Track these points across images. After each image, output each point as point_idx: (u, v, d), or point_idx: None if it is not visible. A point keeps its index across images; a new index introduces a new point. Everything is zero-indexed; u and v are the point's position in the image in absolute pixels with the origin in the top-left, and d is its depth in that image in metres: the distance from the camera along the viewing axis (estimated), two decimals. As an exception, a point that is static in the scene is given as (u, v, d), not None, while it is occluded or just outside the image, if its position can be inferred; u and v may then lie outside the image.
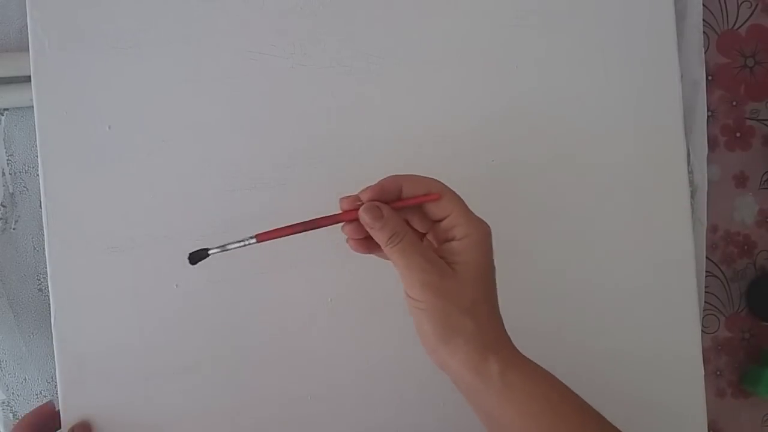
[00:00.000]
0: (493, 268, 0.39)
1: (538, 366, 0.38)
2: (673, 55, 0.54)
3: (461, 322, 0.36)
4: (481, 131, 0.51)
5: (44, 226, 0.45)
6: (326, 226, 0.40)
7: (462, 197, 0.40)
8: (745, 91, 0.65)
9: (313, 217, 0.40)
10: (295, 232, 0.39)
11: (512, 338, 0.39)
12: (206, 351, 0.47)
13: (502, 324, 0.39)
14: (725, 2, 0.64)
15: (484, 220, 0.39)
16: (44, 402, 0.46)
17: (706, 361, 0.54)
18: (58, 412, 0.45)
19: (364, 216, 0.38)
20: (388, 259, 0.39)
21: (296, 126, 0.49)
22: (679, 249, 0.54)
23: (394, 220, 0.38)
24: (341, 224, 0.40)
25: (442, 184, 0.39)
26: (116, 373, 0.46)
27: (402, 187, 0.39)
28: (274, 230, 0.40)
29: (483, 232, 0.38)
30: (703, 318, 0.56)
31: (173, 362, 0.46)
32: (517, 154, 0.51)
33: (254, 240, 0.39)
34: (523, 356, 0.38)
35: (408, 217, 0.40)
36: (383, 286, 0.48)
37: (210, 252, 0.41)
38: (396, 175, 0.39)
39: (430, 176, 0.40)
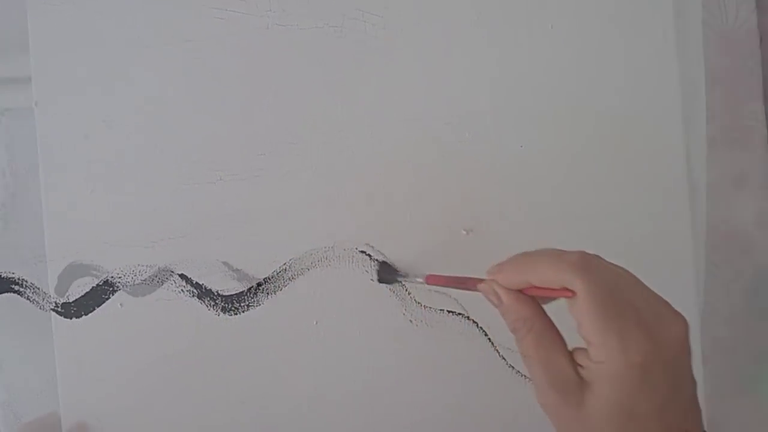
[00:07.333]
0: (643, 404, 0.28)
1: None
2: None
3: None
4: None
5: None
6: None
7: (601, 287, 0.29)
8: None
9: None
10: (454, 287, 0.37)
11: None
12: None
13: None
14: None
15: (660, 328, 0.30)
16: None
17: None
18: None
19: (488, 298, 0.32)
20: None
21: (274, 104, 0.42)
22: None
23: (514, 310, 0.31)
24: None
25: (583, 268, 0.29)
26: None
27: (535, 269, 0.30)
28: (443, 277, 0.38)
29: (626, 363, 0.27)
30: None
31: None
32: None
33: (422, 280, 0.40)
34: None
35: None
36: (372, 307, 0.47)
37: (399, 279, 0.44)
38: (529, 256, 0.31)
39: (576, 251, 0.30)
